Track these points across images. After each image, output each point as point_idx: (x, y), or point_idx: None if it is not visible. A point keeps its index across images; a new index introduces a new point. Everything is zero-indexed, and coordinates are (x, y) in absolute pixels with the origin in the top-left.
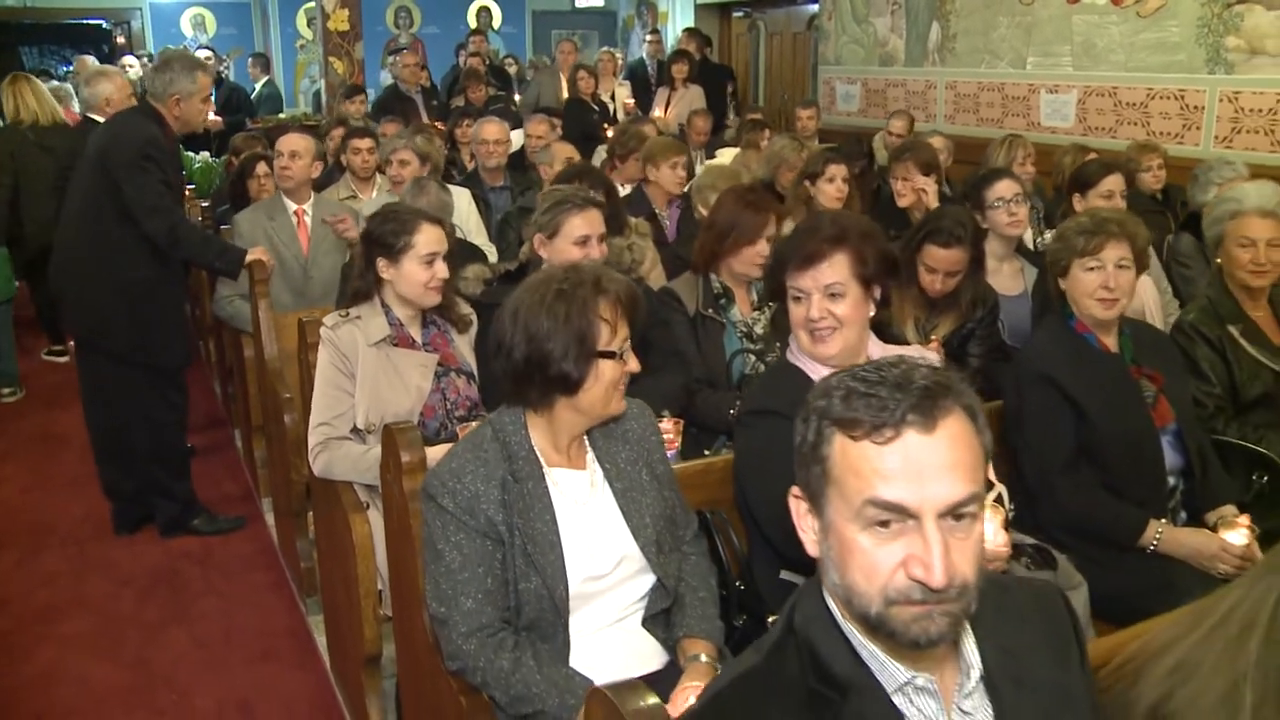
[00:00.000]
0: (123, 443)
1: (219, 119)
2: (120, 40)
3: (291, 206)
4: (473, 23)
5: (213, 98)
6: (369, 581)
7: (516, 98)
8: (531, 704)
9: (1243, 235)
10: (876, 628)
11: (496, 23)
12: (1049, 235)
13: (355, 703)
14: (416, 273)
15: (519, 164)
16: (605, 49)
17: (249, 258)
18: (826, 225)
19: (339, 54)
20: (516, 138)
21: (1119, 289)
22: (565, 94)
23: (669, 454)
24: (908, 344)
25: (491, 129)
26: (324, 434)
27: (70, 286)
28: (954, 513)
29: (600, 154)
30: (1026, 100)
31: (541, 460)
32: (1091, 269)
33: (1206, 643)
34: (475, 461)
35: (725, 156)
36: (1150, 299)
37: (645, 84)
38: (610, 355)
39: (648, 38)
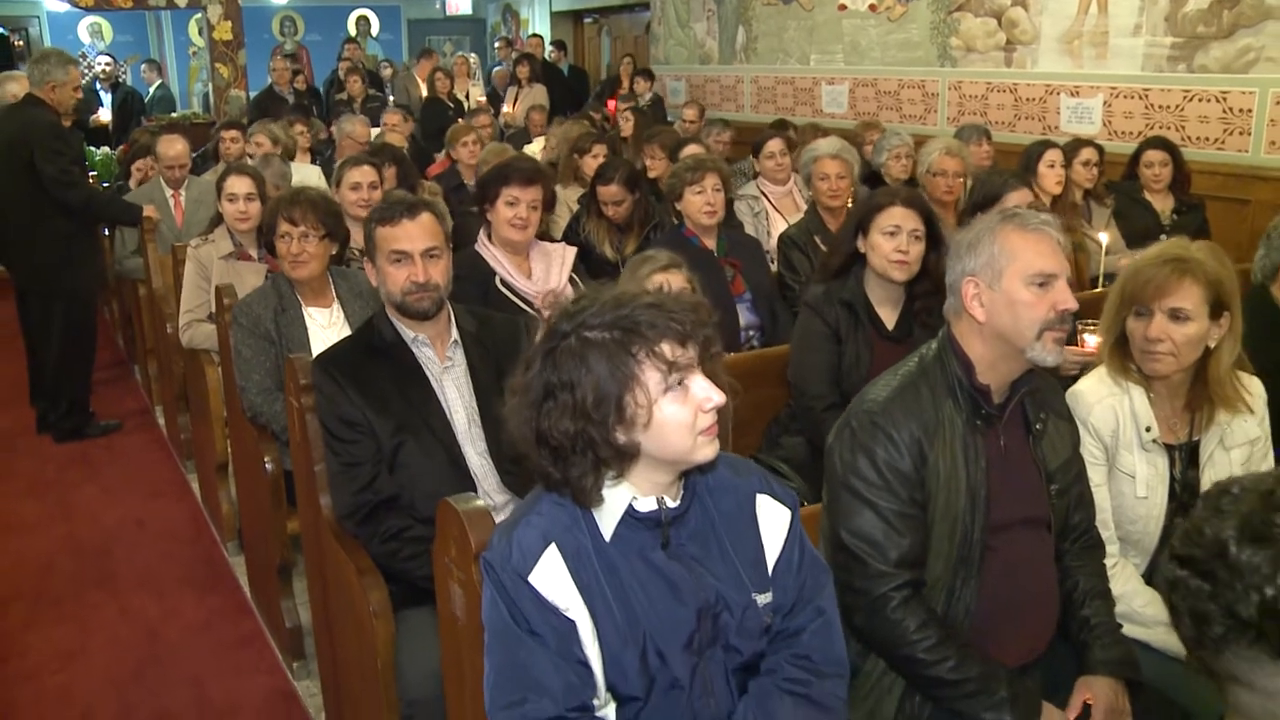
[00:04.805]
0: (53, 363)
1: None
2: (19, 45)
3: (168, 190)
4: (352, 31)
5: (108, 98)
6: (218, 409)
7: (391, 98)
8: None
9: (821, 172)
10: (402, 310)
11: (375, 30)
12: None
13: (213, 506)
14: (226, 207)
15: None
16: (459, 54)
17: (144, 213)
18: (530, 162)
19: (224, 60)
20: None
21: (715, 205)
22: (424, 93)
23: None
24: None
25: (356, 128)
26: (189, 318)
27: (15, 248)
28: (428, 254)
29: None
30: (811, 91)
31: (300, 300)
32: (698, 193)
33: None
34: (260, 297)
35: (536, 145)
36: None
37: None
38: (274, 239)
39: (496, 44)
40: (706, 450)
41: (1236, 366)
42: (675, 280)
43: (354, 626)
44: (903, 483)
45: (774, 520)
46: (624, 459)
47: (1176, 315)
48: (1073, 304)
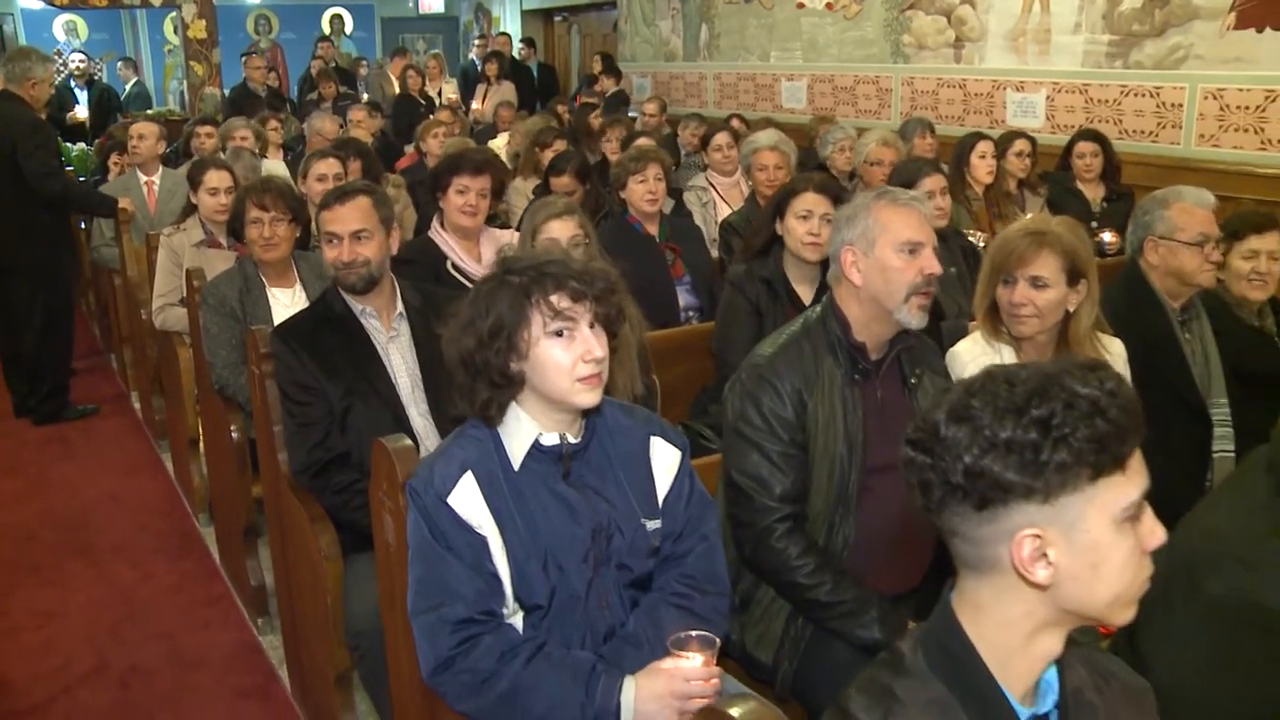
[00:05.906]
0: (34, 350)
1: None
2: None
3: (142, 179)
4: (326, 29)
5: (84, 95)
6: (189, 387)
7: (364, 96)
8: None
9: (760, 163)
10: (342, 286)
11: (349, 28)
12: None
13: (185, 481)
14: (205, 199)
15: None
16: (431, 52)
17: (119, 204)
18: (481, 153)
19: (198, 58)
20: None
21: (657, 193)
22: (397, 90)
23: None
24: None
25: (326, 125)
26: (161, 303)
27: None
28: (356, 235)
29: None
30: (772, 88)
31: (265, 281)
32: (640, 182)
33: None
34: (227, 279)
35: (501, 140)
36: None
37: (475, 81)
38: (242, 226)
39: (475, 42)
40: (585, 397)
41: (1096, 329)
42: (568, 227)
43: (308, 569)
44: (785, 427)
45: (665, 459)
46: (513, 385)
47: (1036, 282)
48: (937, 269)
